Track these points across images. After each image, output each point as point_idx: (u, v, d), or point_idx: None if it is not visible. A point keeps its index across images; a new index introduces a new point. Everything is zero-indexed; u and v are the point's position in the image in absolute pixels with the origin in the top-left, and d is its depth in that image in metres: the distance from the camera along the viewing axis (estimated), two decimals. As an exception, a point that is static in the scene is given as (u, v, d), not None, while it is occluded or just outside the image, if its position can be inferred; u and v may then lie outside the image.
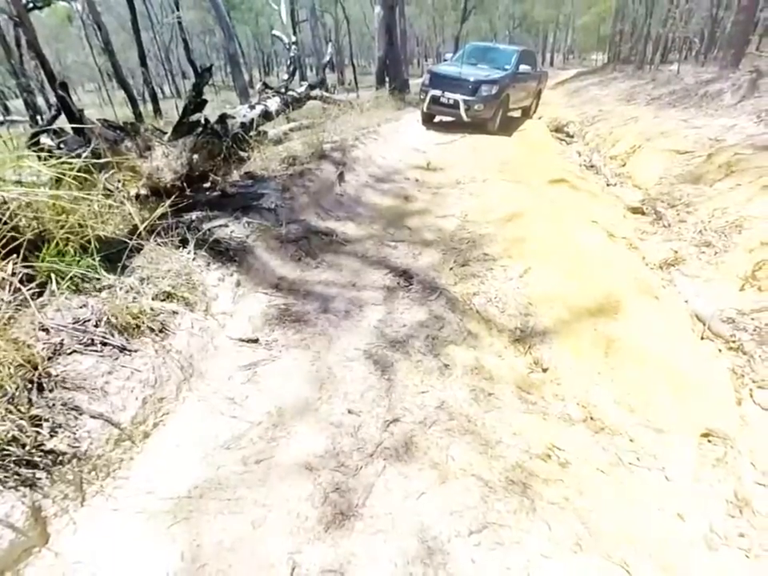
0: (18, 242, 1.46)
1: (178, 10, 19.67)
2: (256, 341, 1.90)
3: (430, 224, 3.38)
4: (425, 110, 7.09)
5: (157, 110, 12.78)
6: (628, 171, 5.96)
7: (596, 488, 1.55)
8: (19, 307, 1.38)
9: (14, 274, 1.27)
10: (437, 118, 7.43)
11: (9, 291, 1.31)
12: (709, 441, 1.85)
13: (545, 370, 2.12)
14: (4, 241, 1.32)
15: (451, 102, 6.62)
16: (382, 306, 2.25)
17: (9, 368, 1.16)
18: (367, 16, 23.94)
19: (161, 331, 1.60)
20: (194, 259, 2.03)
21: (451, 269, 2.71)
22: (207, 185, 3.13)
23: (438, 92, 6.71)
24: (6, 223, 1.51)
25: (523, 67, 7.26)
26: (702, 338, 2.58)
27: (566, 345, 2.25)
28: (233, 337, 1.88)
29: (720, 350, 2.48)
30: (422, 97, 7.10)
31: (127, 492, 1.24)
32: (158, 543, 1.14)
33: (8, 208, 1.63)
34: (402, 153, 5.27)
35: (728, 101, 7.11)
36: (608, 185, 5.66)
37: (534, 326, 2.34)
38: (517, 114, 8.59)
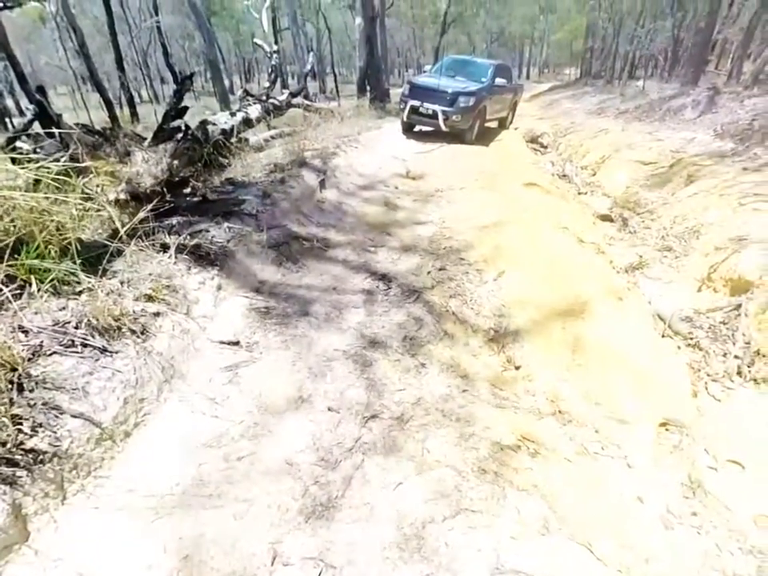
0: (-5, 245, 1.47)
1: (156, 14, 19.44)
2: (237, 343, 1.93)
3: (409, 230, 3.48)
4: (404, 119, 7.26)
5: (134, 115, 12.56)
6: (598, 180, 6.26)
7: (563, 476, 1.65)
8: (-3, 310, 1.39)
9: (-7, 276, 1.28)
10: (416, 128, 7.62)
11: (-13, 293, 1.32)
12: (667, 430, 1.99)
13: (517, 368, 2.22)
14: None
15: (430, 112, 6.81)
16: (362, 308, 2.32)
17: (-12, 369, 1.17)
18: (348, 26, 24.27)
19: (142, 333, 1.62)
20: (174, 263, 2.06)
21: (429, 273, 2.81)
22: (188, 190, 3.15)
23: (417, 102, 6.89)
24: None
25: (499, 80, 7.55)
26: (663, 336, 2.75)
27: (537, 344, 2.37)
28: (214, 339, 1.91)
29: (679, 347, 2.66)
30: (401, 107, 7.27)
31: (108, 490, 1.25)
32: (140, 539, 1.17)
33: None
34: (382, 161, 5.39)
35: (689, 115, 7.58)
36: (579, 193, 5.93)
37: (508, 327, 2.45)
38: (494, 124, 8.88)
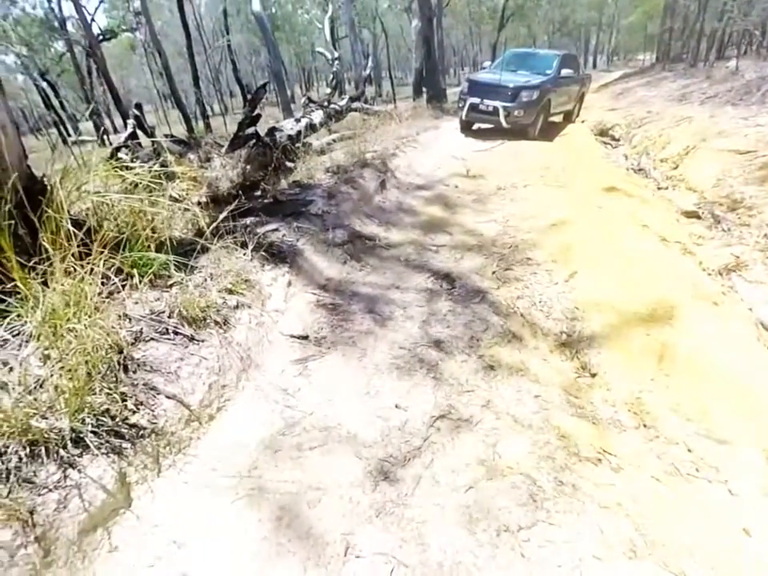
0: (105, 242, 1.66)
1: (227, 33, 21.08)
2: (306, 337, 2.00)
3: (471, 229, 3.39)
4: (463, 117, 7.11)
5: (207, 127, 13.70)
6: (681, 174, 5.64)
7: (651, 496, 1.49)
8: (107, 299, 1.56)
9: (108, 269, 1.44)
10: (475, 126, 7.43)
11: (100, 284, 1.49)
12: (779, 455, 1.72)
13: (593, 375, 2.06)
14: (98, 241, 1.51)
15: (490, 108, 6.61)
16: (426, 307, 2.29)
17: (102, 351, 1.32)
18: (404, 29, 24.42)
19: (224, 324, 1.74)
20: (251, 260, 2.19)
21: (494, 273, 2.71)
22: (258, 193, 3.35)
23: (476, 100, 6.72)
24: (94, 227, 1.71)
25: (565, 71, 7.13)
26: (770, 348, 2.40)
27: (616, 350, 2.18)
28: (285, 333, 1.99)
29: (791, 361, 2.30)
30: (460, 105, 7.14)
31: (196, 467, 1.35)
32: (223, 516, 1.24)
33: (95, 213, 1.86)
34: (441, 160, 5.33)
35: (796, 96, 6.58)
36: (659, 188, 5.39)
37: (581, 331, 2.29)
38: (558, 118, 8.41)
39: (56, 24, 15.28)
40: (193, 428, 1.45)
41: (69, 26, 15.91)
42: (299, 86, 34.05)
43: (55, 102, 17.48)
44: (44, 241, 1.42)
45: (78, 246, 1.49)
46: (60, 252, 1.40)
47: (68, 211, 1.67)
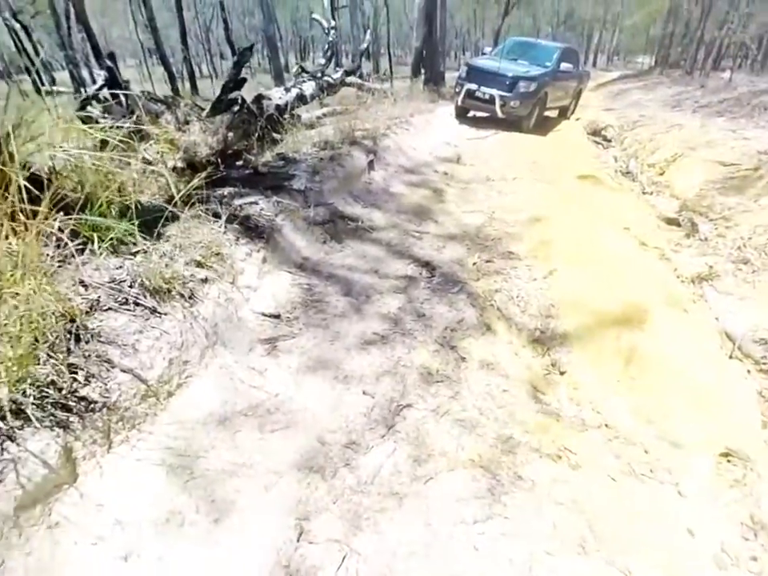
0: (64, 203, 1.53)
1: (221, -11, 19.85)
2: (278, 316, 1.94)
3: (456, 218, 3.35)
4: (459, 103, 6.98)
5: (194, 88, 13.04)
6: (666, 180, 5.72)
7: (605, 494, 1.53)
8: (61, 263, 1.45)
9: (60, 231, 1.33)
10: (470, 113, 7.31)
11: (54, 246, 1.38)
12: (728, 461, 1.79)
13: (562, 373, 2.09)
14: (54, 200, 1.39)
15: (487, 96, 6.50)
16: (403, 294, 2.26)
17: (51, 318, 1.23)
18: (407, 5, 23.57)
19: (190, 297, 1.65)
20: (224, 233, 2.09)
21: (474, 264, 2.69)
22: (240, 163, 3.19)
23: (473, 86, 6.59)
24: (50, 184, 1.58)
25: (565, 65, 7.05)
26: (731, 357, 2.48)
27: (587, 350, 2.21)
28: (256, 310, 1.93)
29: (749, 371, 2.39)
30: (457, 90, 6.99)
31: (150, 444, 1.30)
32: (175, 495, 1.20)
33: (57, 170, 1.72)
34: (432, 145, 5.23)
35: (783, 113, 6.72)
36: (644, 192, 5.46)
37: (555, 329, 2.30)
38: (554, 113, 8.37)
39: (31, -41, 14.02)
40: (149, 404, 1.38)
41: (46, -37, 14.59)
42: (294, 55, 32.67)
43: (28, 46, 16.18)
44: (-10, 194, 1.30)
45: (32, 204, 1.37)
46: (8, 208, 1.28)
47: (23, 165, 1.53)
